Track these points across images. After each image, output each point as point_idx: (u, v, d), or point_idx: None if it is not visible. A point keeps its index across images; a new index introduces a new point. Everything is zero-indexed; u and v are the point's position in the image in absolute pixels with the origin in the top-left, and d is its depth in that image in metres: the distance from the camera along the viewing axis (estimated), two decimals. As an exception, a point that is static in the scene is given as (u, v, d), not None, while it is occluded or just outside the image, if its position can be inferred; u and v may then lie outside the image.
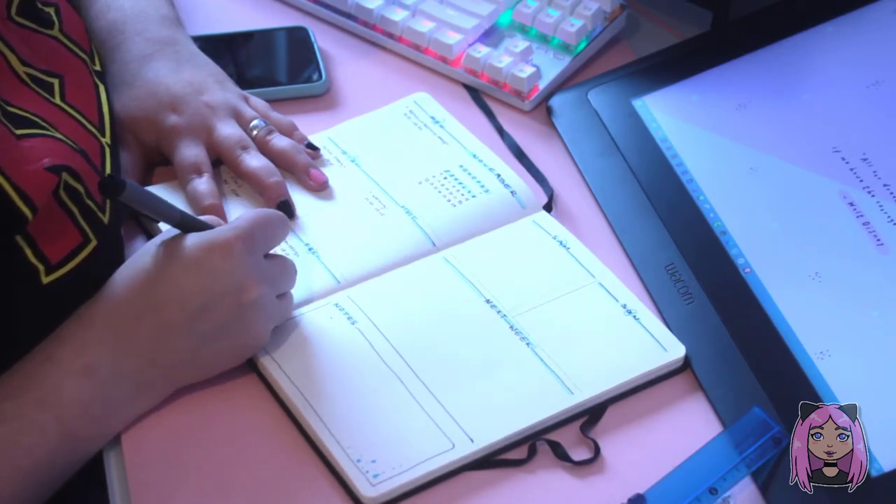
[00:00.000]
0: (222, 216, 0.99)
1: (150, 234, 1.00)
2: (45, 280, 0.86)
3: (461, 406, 0.88)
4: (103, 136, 0.95)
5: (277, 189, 1.00)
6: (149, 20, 1.07)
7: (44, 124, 0.88)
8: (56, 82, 0.93)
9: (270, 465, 0.87)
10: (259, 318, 0.88)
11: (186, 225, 0.88)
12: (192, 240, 0.87)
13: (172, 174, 1.03)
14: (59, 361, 0.84)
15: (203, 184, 1.00)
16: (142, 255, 0.87)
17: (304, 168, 1.02)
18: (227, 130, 1.02)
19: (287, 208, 1.00)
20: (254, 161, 1.01)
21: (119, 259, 0.93)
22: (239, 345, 0.89)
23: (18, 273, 0.85)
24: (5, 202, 0.83)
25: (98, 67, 1.00)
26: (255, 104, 1.06)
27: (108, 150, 0.94)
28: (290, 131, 1.05)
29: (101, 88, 0.98)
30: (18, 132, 0.86)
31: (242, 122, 1.03)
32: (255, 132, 1.03)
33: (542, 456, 0.87)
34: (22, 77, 0.90)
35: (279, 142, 1.03)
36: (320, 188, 1.02)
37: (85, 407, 0.84)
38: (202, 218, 0.90)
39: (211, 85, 1.04)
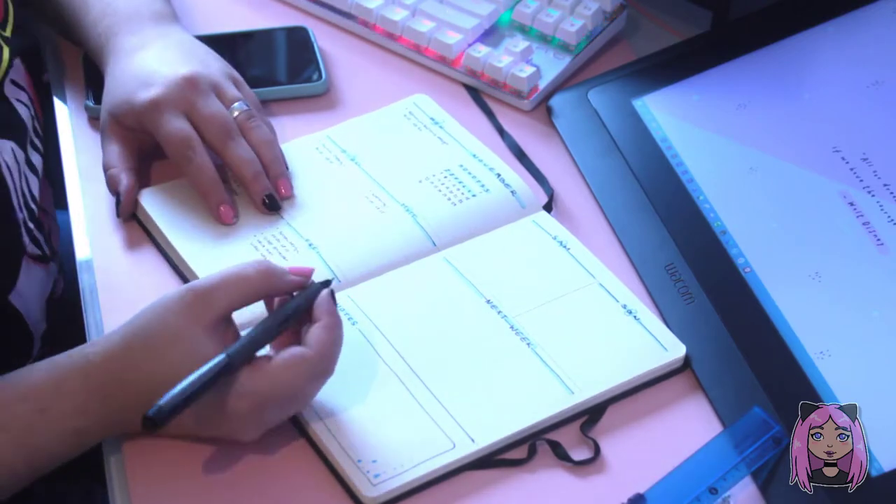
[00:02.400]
0: (228, 202, 0.99)
1: (155, 242, 1.00)
2: None
3: (461, 406, 0.88)
4: None
5: (263, 184, 1.00)
6: (142, 19, 1.06)
7: None
8: None
9: (271, 465, 0.87)
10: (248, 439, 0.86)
11: (237, 365, 0.83)
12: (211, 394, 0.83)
13: (172, 173, 1.03)
14: (53, 419, 0.83)
15: (203, 166, 0.99)
16: (159, 328, 0.84)
17: (274, 175, 1.01)
18: (211, 109, 1.00)
19: (273, 202, 1.00)
20: (241, 151, 1.00)
21: None
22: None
23: None
24: None
25: (8, 34, 0.99)
26: (246, 93, 1.04)
27: None
28: (268, 138, 1.03)
29: (5, 51, 0.97)
30: None
31: (224, 101, 1.02)
32: (235, 113, 1.01)
33: (542, 456, 0.88)
34: None
35: (260, 134, 1.01)
36: (281, 199, 1.01)
37: (63, 458, 0.85)
38: (243, 341, 0.84)
39: (191, 61, 1.03)
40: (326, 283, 0.88)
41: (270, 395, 0.83)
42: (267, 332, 0.85)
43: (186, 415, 0.82)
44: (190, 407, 0.81)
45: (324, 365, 0.85)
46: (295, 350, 0.84)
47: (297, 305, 0.86)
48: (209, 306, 0.84)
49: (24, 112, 1.00)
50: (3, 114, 0.97)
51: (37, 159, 1.02)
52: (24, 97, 1.01)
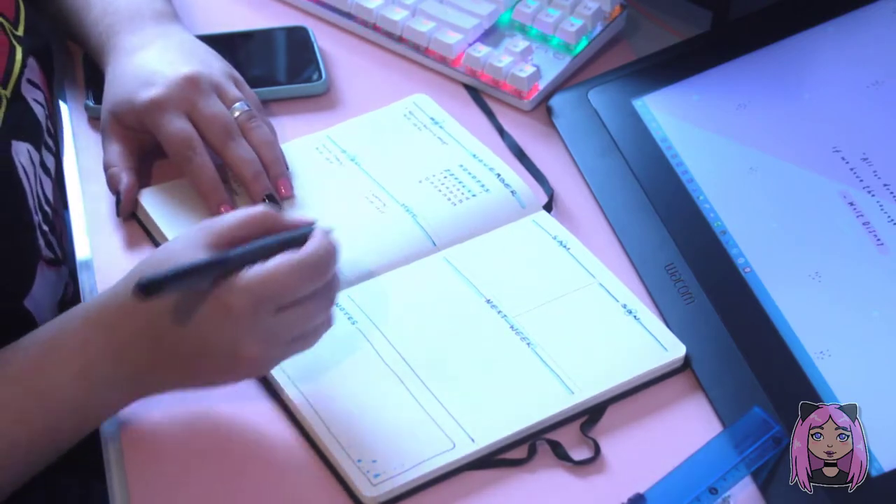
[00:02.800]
0: (228, 203, 0.99)
1: (155, 241, 1.00)
2: None
3: (461, 406, 0.88)
4: (4, 88, 0.94)
5: (263, 184, 1.00)
6: (143, 19, 1.06)
7: None
8: None
9: (271, 464, 0.87)
10: (254, 371, 0.87)
11: (238, 264, 0.83)
12: (199, 295, 0.83)
13: (172, 173, 1.03)
14: (58, 359, 0.84)
15: (204, 167, 0.99)
16: (161, 253, 0.85)
17: (275, 175, 1.01)
18: (212, 109, 1.00)
19: (273, 202, 1.00)
20: (242, 151, 1.00)
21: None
22: (236, 379, 0.87)
23: None
24: None
25: (20, 33, 0.99)
26: (246, 93, 1.05)
27: (4, 101, 0.93)
28: (269, 138, 1.03)
29: (18, 51, 0.97)
30: None
31: (225, 101, 1.02)
32: (236, 113, 1.02)
33: (542, 456, 0.88)
34: None
35: (261, 134, 1.02)
36: (281, 199, 1.02)
37: (76, 408, 0.84)
38: (252, 244, 0.85)
39: (192, 61, 1.03)
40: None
41: (265, 292, 0.82)
42: (264, 249, 0.84)
43: (189, 334, 0.82)
44: (182, 292, 0.81)
45: (318, 267, 0.84)
46: (287, 252, 0.84)
47: (297, 235, 0.85)
48: (211, 232, 0.84)
49: (39, 112, 1.00)
50: (20, 114, 0.97)
51: (50, 160, 1.02)
52: (39, 97, 1.01)
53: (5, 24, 0.97)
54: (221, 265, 0.82)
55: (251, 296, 0.82)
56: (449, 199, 1.02)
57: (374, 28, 1.17)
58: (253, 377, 0.89)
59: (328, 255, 0.85)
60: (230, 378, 0.86)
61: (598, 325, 0.94)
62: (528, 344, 0.92)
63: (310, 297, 0.84)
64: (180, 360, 0.84)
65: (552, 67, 1.13)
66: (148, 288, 0.79)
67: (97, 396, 0.84)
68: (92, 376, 0.84)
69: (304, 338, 0.86)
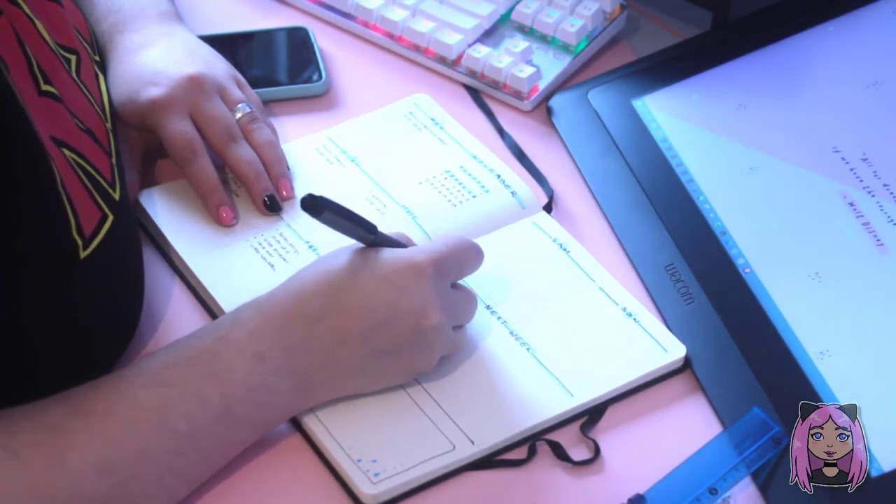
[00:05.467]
0: (227, 204, 0.99)
1: (155, 242, 1.00)
2: (83, 255, 0.84)
3: (461, 409, 0.88)
4: (107, 121, 0.94)
5: (264, 184, 1.00)
6: (147, 18, 1.07)
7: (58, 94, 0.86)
8: (74, 59, 0.91)
9: (270, 463, 0.87)
10: (433, 344, 0.87)
11: (380, 243, 0.87)
12: (387, 254, 0.86)
13: (174, 172, 1.03)
14: (234, 342, 0.84)
15: (203, 169, 0.99)
16: (332, 257, 0.87)
17: (276, 175, 1.02)
18: (215, 111, 1.01)
19: (274, 203, 1.00)
20: (243, 152, 1.00)
21: (134, 235, 0.92)
22: (406, 366, 0.88)
23: (63, 248, 0.83)
24: (43, 155, 0.80)
25: (97, 58, 0.99)
26: (248, 94, 1.05)
27: (111, 134, 0.93)
28: (270, 139, 1.03)
29: (101, 78, 0.97)
30: (44, 87, 0.84)
31: (228, 103, 1.02)
32: (238, 114, 1.02)
33: (542, 456, 0.88)
34: (50, 45, 0.87)
35: (263, 135, 1.02)
36: (282, 200, 1.02)
37: (251, 391, 0.83)
38: (394, 236, 0.89)
39: (196, 62, 1.03)
40: None
41: (448, 259, 0.87)
42: (398, 242, 0.90)
43: (374, 298, 0.85)
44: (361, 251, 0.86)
45: (480, 253, 0.91)
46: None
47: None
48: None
49: None
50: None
51: None
52: None
53: (88, 48, 0.96)
54: (373, 228, 0.86)
55: (438, 258, 0.87)
56: (449, 201, 1.02)
57: (374, 28, 1.17)
58: (428, 361, 0.88)
59: (480, 250, 0.91)
60: (405, 361, 0.87)
61: (598, 328, 0.94)
62: (528, 349, 0.92)
63: (469, 291, 0.91)
64: (357, 344, 0.85)
65: (552, 68, 1.13)
66: (313, 201, 0.83)
67: (269, 385, 0.84)
68: (264, 363, 0.84)
69: (460, 330, 0.90)
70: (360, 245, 0.87)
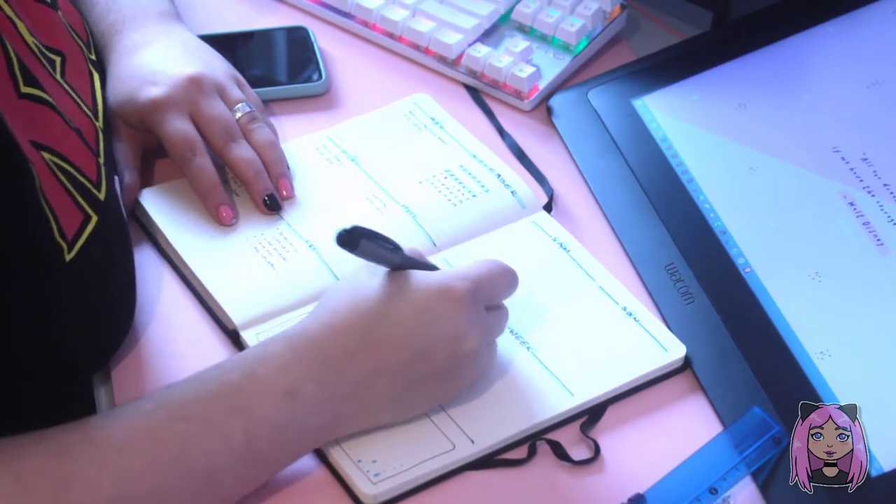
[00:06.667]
0: (227, 204, 0.99)
1: (155, 241, 1.00)
2: (67, 259, 0.82)
3: (461, 408, 0.88)
4: (97, 120, 0.93)
5: (264, 184, 1.00)
6: (147, 17, 1.07)
7: (46, 97, 0.85)
8: (58, 60, 0.90)
9: (271, 464, 0.87)
10: (470, 369, 0.86)
11: (406, 265, 0.85)
12: (420, 281, 0.84)
13: (174, 172, 1.03)
14: (261, 380, 0.81)
15: (203, 168, 0.99)
16: (360, 284, 0.85)
17: (276, 175, 1.01)
18: (215, 111, 1.00)
19: (274, 202, 1.00)
20: (243, 152, 1.00)
21: (123, 235, 0.91)
22: (442, 392, 0.87)
23: (46, 252, 0.81)
24: (21, 160, 0.78)
25: (94, 56, 0.99)
26: (248, 94, 1.05)
27: (100, 134, 0.92)
28: (270, 139, 1.03)
29: (96, 77, 0.97)
30: (24, 90, 0.82)
31: (228, 102, 1.02)
32: (238, 114, 1.02)
33: (542, 456, 0.88)
34: (31, 47, 0.87)
35: (262, 135, 1.02)
36: (282, 199, 1.01)
37: (278, 429, 0.81)
38: (408, 252, 0.86)
39: (196, 61, 1.03)
40: None
41: (482, 283, 0.86)
42: (427, 266, 0.88)
43: (411, 328, 0.83)
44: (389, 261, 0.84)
45: (514, 277, 0.89)
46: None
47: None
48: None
49: None
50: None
51: None
52: None
53: (83, 47, 0.96)
54: (402, 252, 0.85)
55: (472, 283, 0.85)
56: (449, 200, 1.02)
57: (374, 28, 1.17)
58: (462, 387, 0.87)
59: (515, 274, 0.90)
60: (442, 386, 0.86)
61: (598, 328, 0.94)
62: (528, 348, 0.92)
63: (503, 307, 0.89)
64: (393, 377, 0.83)
65: (552, 67, 1.13)
66: (348, 236, 0.80)
67: (298, 421, 0.82)
68: (295, 399, 0.81)
69: (491, 348, 0.88)
70: (383, 267, 0.85)
